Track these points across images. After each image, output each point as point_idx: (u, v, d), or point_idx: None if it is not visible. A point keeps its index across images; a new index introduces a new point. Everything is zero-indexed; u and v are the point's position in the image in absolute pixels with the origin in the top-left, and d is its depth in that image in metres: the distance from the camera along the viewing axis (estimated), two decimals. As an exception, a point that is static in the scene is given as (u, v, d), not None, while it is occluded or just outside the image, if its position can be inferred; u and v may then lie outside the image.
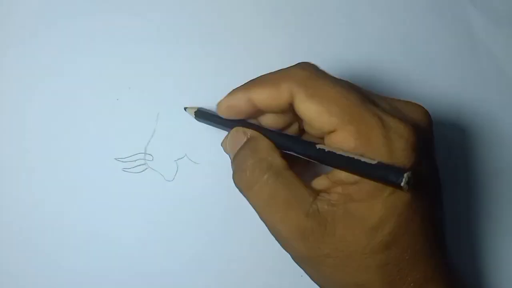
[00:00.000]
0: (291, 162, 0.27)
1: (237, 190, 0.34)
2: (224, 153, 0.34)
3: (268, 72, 0.27)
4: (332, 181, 0.26)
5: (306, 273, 0.27)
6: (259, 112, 0.28)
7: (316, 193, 0.25)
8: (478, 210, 0.37)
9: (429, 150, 0.26)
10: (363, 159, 0.23)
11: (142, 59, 0.35)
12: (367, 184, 0.24)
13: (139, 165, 0.34)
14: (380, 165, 0.22)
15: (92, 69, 0.35)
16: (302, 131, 0.29)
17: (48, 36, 0.35)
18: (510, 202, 0.37)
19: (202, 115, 0.32)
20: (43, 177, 0.33)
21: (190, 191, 0.34)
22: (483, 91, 0.38)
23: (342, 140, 0.24)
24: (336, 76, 0.26)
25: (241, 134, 0.28)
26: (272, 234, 0.26)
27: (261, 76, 0.27)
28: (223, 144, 0.31)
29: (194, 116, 0.33)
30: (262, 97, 0.26)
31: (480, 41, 0.38)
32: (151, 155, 0.34)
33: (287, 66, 0.27)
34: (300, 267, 0.27)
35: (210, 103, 0.35)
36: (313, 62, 0.34)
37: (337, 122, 0.24)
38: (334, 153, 0.24)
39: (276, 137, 0.27)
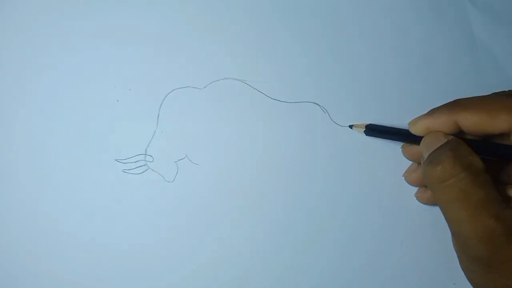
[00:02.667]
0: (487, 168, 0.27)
1: (236, 190, 0.34)
2: (224, 154, 0.35)
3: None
4: None
5: (469, 278, 0.27)
6: (459, 133, 0.28)
7: (510, 200, 0.26)
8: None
9: None
10: None
11: (142, 60, 0.35)
12: None
13: (139, 166, 0.34)
14: None
15: (92, 70, 0.35)
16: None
17: (48, 36, 0.35)
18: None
19: (373, 130, 0.34)
20: (43, 178, 0.33)
21: (190, 192, 0.34)
22: (483, 91, 0.38)
23: None
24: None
25: (441, 136, 0.28)
26: (452, 231, 0.27)
27: (470, 100, 0.28)
28: (402, 149, 0.32)
29: (364, 132, 0.34)
30: (475, 123, 0.27)
31: (480, 41, 0.38)
32: (151, 156, 0.34)
33: (498, 92, 0.28)
34: (466, 270, 0.27)
35: (210, 103, 0.35)
36: (318, 62, 0.34)
37: None
38: None
39: (475, 144, 0.28)
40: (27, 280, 0.33)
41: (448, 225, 0.27)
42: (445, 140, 0.28)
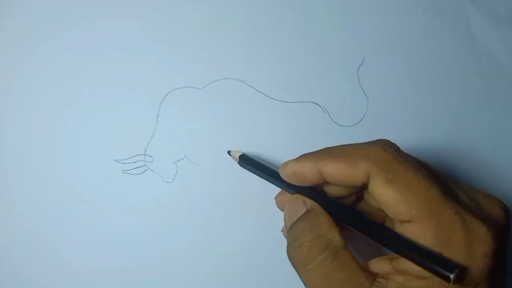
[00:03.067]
0: (348, 233, 0.26)
1: (236, 191, 0.34)
2: (224, 154, 0.34)
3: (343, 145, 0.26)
4: (395, 268, 0.25)
5: None
6: (324, 182, 0.27)
7: (373, 276, 0.25)
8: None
9: (504, 246, 0.25)
10: (429, 250, 0.22)
11: (142, 60, 0.35)
12: (437, 284, 0.23)
13: (139, 167, 0.34)
14: (442, 258, 0.22)
15: (91, 70, 0.35)
16: (360, 198, 0.29)
17: (48, 37, 0.34)
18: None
19: (247, 161, 0.32)
20: (43, 178, 0.33)
21: (189, 192, 0.34)
22: (483, 91, 0.38)
23: (419, 234, 0.23)
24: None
25: (301, 204, 0.27)
26: None
27: (335, 148, 0.26)
28: (276, 199, 0.30)
29: (237, 161, 0.33)
30: (335, 172, 0.25)
31: (480, 41, 0.38)
32: (151, 157, 0.34)
33: (365, 142, 0.26)
34: None
35: (209, 103, 0.35)
36: (318, 62, 0.34)
37: (416, 214, 0.23)
38: (407, 242, 0.23)
39: (337, 209, 0.27)
40: (27, 280, 0.33)
41: None
42: (304, 210, 0.27)
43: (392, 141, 0.26)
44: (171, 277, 0.33)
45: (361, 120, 0.36)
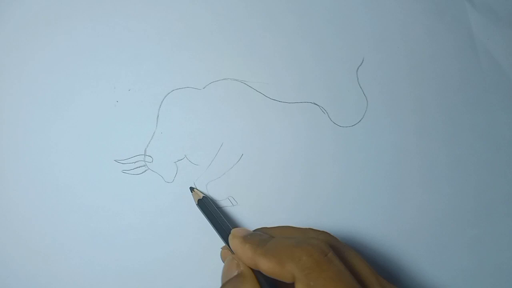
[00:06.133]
0: None
1: (236, 190, 0.34)
2: (224, 154, 0.35)
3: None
4: None
5: None
6: None
7: None
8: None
9: None
10: None
11: (141, 61, 0.35)
12: None
13: (139, 167, 0.34)
14: None
15: (91, 71, 0.35)
16: None
17: (48, 37, 0.35)
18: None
19: (204, 205, 0.33)
20: (43, 178, 0.33)
21: (189, 192, 0.34)
22: (483, 91, 0.38)
23: None
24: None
25: (234, 267, 0.29)
26: None
27: (276, 241, 0.27)
28: (221, 250, 0.32)
29: (196, 202, 0.33)
30: (267, 269, 0.26)
31: (480, 42, 0.38)
32: (151, 157, 0.34)
33: (297, 242, 0.26)
34: None
35: (209, 103, 0.35)
36: (317, 62, 0.34)
37: None
38: None
39: (268, 282, 0.28)
40: (27, 280, 0.33)
41: None
42: (236, 273, 0.28)
43: (331, 237, 0.28)
44: (171, 277, 0.34)
45: (360, 121, 0.36)
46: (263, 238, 0.28)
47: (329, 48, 0.37)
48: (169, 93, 0.35)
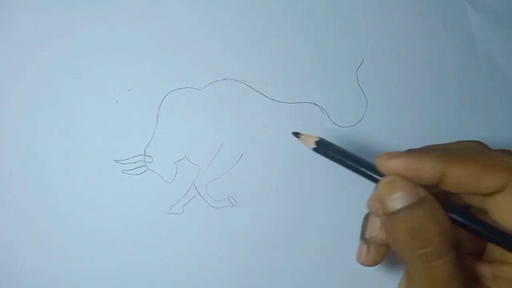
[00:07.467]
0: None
1: (236, 191, 0.34)
2: (223, 155, 0.35)
3: (460, 145, 0.25)
4: (495, 275, 0.24)
5: None
6: (434, 186, 0.24)
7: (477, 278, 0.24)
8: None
9: None
10: None
11: (141, 61, 0.35)
12: None
13: (139, 167, 0.34)
14: None
15: (91, 71, 0.35)
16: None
17: (47, 37, 0.35)
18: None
19: (325, 146, 0.27)
20: (43, 179, 0.33)
21: (189, 192, 0.34)
22: (483, 91, 0.38)
23: None
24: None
25: (410, 188, 0.24)
26: None
27: (460, 151, 0.25)
28: (369, 202, 0.26)
29: (312, 147, 0.28)
30: (466, 178, 0.23)
31: (480, 42, 0.38)
32: (151, 157, 0.34)
33: (496, 149, 0.25)
34: None
35: (209, 103, 0.35)
36: (317, 62, 0.34)
37: None
38: None
39: (447, 206, 0.24)
40: (27, 280, 0.33)
41: None
42: (416, 197, 0.23)
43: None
44: (172, 277, 0.34)
45: (360, 121, 0.36)
46: (436, 147, 0.25)
47: (329, 48, 0.37)
48: (169, 93, 0.35)
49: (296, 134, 0.28)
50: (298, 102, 0.36)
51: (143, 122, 0.34)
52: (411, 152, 0.25)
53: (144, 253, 0.34)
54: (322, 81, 0.36)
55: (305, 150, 0.35)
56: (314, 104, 0.36)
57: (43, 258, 0.33)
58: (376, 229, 0.28)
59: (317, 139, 0.27)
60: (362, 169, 0.26)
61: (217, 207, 0.34)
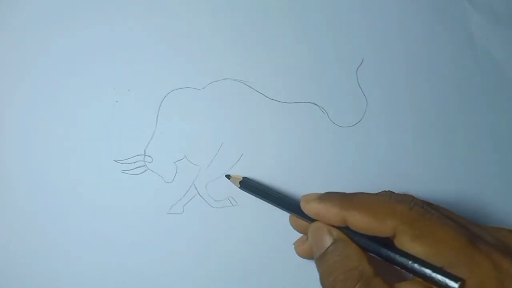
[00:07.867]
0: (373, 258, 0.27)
1: (235, 191, 0.34)
2: (223, 155, 0.35)
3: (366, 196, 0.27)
4: None
5: None
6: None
7: None
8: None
9: None
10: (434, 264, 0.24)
11: (141, 61, 0.35)
12: None
13: (139, 167, 0.34)
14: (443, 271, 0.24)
15: (91, 71, 0.35)
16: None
17: (47, 37, 0.35)
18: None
19: (249, 185, 0.33)
20: (42, 179, 0.34)
21: (189, 192, 0.34)
22: (483, 91, 0.38)
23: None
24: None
25: (326, 234, 0.28)
26: None
27: (359, 198, 0.27)
28: (292, 223, 0.31)
29: (238, 186, 0.33)
30: (361, 224, 0.26)
31: (480, 42, 0.38)
32: (150, 157, 0.34)
33: (390, 199, 0.26)
34: None
35: (209, 103, 0.35)
36: (317, 62, 0.34)
37: (447, 262, 0.24)
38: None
39: (362, 240, 0.27)
40: (27, 280, 0.33)
41: None
42: (331, 240, 0.27)
43: (416, 197, 0.27)
44: (171, 277, 0.34)
45: (360, 121, 0.36)
46: (341, 194, 0.28)
47: (328, 48, 0.37)
48: (169, 93, 0.35)
49: (228, 176, 0.34)
50: (298, 102, 0.36)
51: (143, 122, 0.34)
52: (323, 197, 0.28)
53: (144, 253, 0.34)
54: (322, 81, 0.36)
55: (305, 150, 0.36)
56: (314, 104, 0.36)
57: (43, 258, 0.33)
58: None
59: (240, 180, 0.33)
60: (281, 208, 0.31)
61: (217, 207, 0.34)
